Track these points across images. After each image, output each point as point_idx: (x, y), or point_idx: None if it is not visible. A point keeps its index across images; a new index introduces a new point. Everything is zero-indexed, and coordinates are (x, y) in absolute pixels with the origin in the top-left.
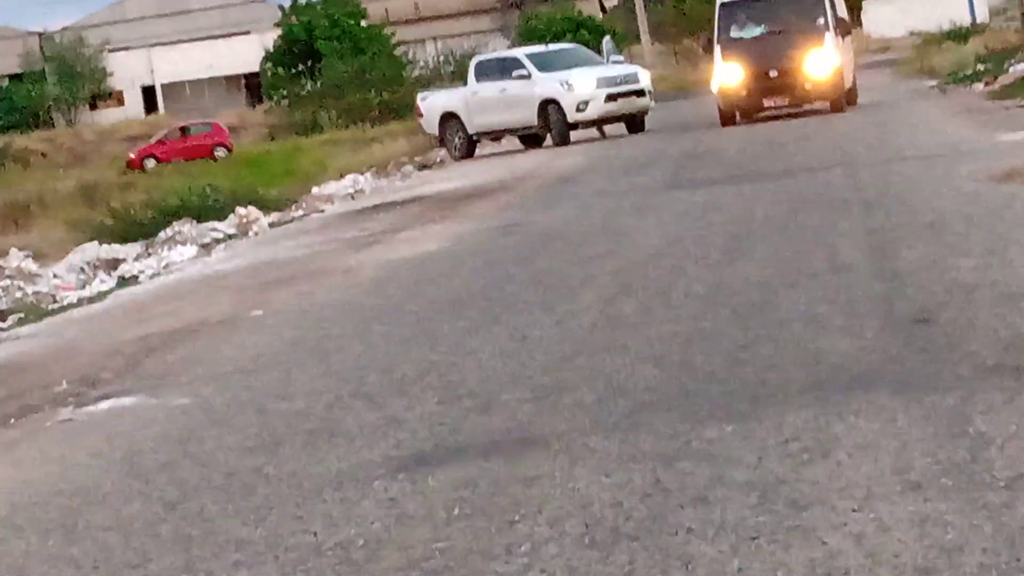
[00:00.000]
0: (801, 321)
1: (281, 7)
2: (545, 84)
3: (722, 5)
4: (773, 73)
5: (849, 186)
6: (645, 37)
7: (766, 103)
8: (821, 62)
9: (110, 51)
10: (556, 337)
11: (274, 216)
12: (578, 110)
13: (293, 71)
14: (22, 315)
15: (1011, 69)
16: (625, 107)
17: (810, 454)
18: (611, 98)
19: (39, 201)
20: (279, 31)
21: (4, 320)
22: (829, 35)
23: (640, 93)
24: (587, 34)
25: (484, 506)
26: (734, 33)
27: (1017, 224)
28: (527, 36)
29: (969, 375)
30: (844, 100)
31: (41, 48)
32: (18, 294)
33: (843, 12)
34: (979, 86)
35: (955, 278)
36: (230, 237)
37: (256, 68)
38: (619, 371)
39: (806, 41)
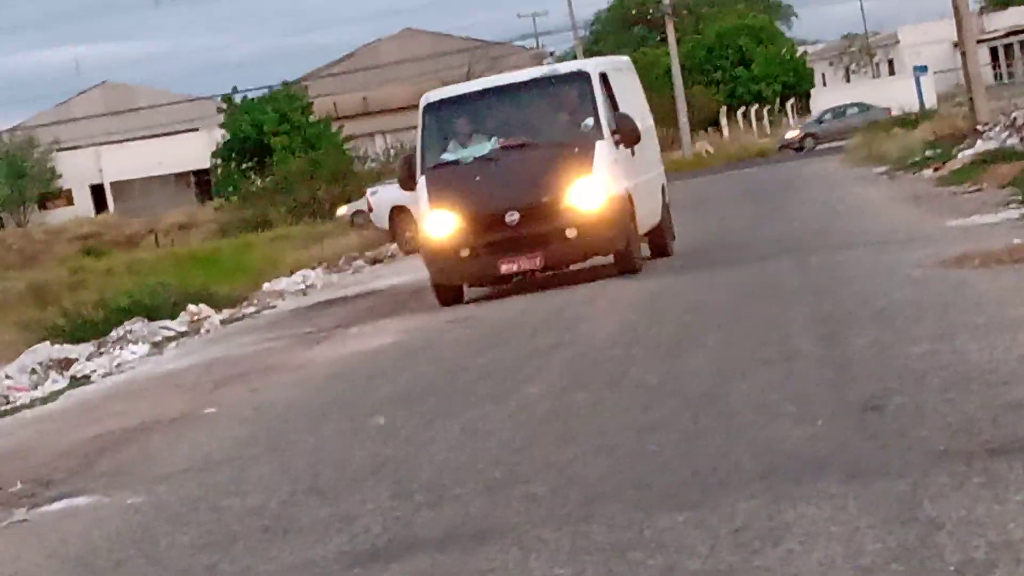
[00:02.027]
0: (752, 409)
1: (219, 107)
2: None
3: (428, 107)
4: (511, 217)
5: (799, 274)
6: None
7: (504, 268)
8: (589, 193)
9: (58, 150)
10: (508, 429)
11: (225, 313)
12: None
13: (243, 167)
14: None
15: (959, 155)
16: None
17: (762, 542)
18: None
19: None
20: (227, 126)
21: None
22: (604, 146)
23: None
24: None
25: None
26: (448, 153)
27: (967, 309)
28: None
29: (919, 461)
30: (636, 253)
31: None
32: None
33: (637, 105)
34: (928, 172)
35: (905, 364)
36: (182, 335)
37: (205, 164)
38: (571, 462)
39: (565, 159)
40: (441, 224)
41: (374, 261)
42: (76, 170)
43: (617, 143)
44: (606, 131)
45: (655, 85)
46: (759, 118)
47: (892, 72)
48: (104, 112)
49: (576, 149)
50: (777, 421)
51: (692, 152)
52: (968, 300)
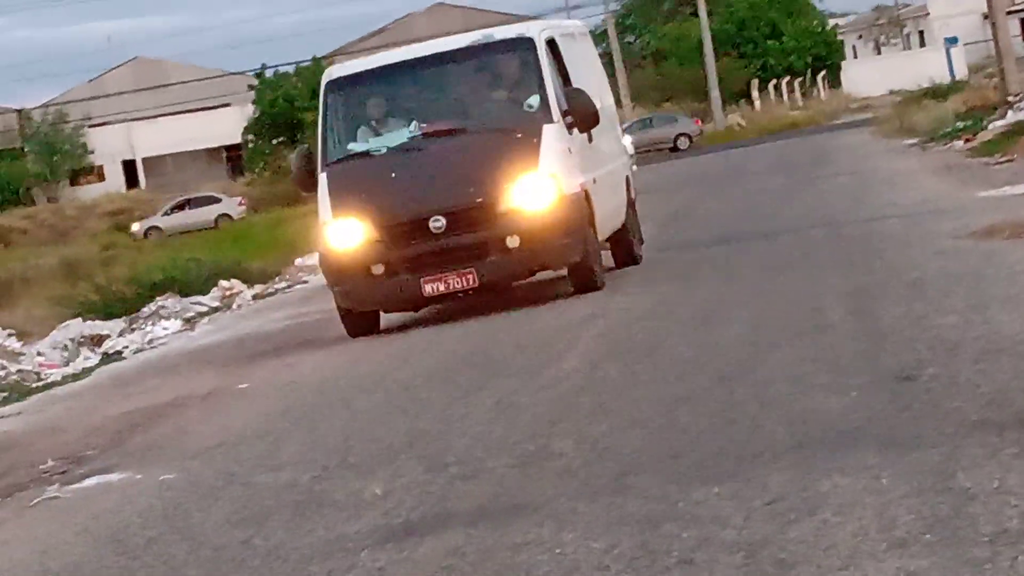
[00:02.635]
0: (785, 381)
1: (250, 85)
2: None
3: (332, 85)
4: (437, 224)
5: (831, 245)
6: (626, 101)
7: (429, 289)
8: (535, 191)
9: (90, 127)
10: (541, 403)
11: (258, 288)
12: None
13: (274, 142)
14: (6, 394)
15: (990, 126)
16: None
17: (796, 513)
18: None
19: (21, 279)
20: (258, 102)
21: None
22: (553, 131)
23: None
24: None
25: (472, 573)
26: (357, 143)
27: (998, 280)
28: None
29: (952, 431)
30: (596, 265)
31: (20, 125)
32: (1, 373)
33: (594, 79)
34: (959, 143)
35: (938, 335)
36: (214, 310)
37: (236, 140)
38: (605, 435)
39: (503, 149)
40: (347, 234)
41: None
42: (107, 146)
43: (570, 127)
44: (555, 112)
45: (686, 58)
46: (790, 90)
47: (922, 44)
48: (135, 88)
49: (518, 136)
50: (810, 392)
51: (724, 125)
52: (1000, 271)
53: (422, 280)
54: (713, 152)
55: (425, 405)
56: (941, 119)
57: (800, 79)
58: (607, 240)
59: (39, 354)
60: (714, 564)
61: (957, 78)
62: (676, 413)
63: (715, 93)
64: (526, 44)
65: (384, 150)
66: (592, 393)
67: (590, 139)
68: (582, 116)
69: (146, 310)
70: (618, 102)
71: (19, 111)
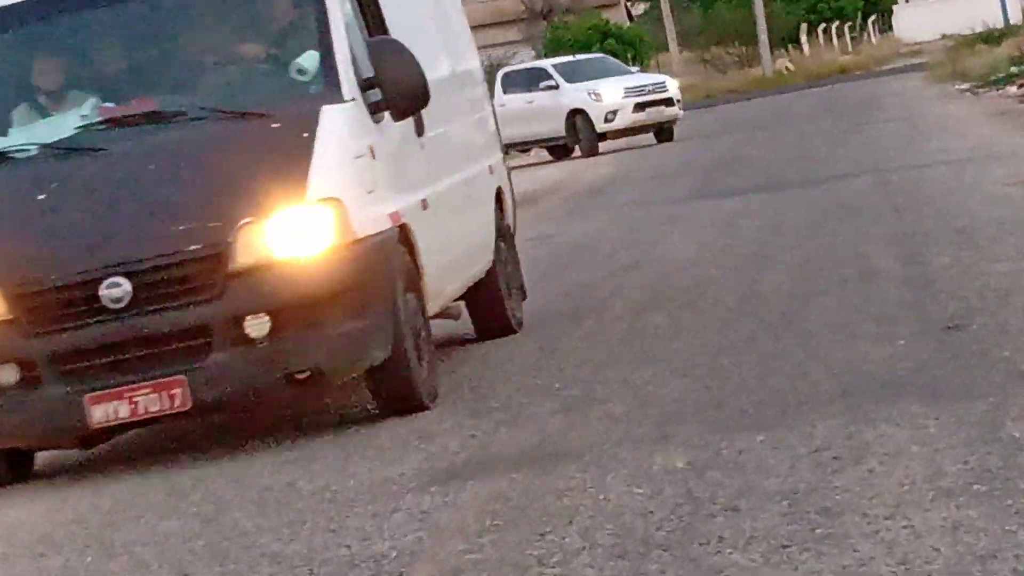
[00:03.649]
0: (831, 329)
1: None
2: (573, 95)
3: None
4: (116, 289)
5: (879, 192)
6: (673, 45)
7: (98, 414)
8: (299, 228)
9: None
10: (585, 349)
11: None
12: (606, 120)
13: None
14: None
15: None
16: (654, 116)
17: (841, 462)
18: (639, 107)
19: None
20: None
21: None
22: (339, 118)
23: (668, 102)
24: (615, 43)
25: (515, 518)
26: None
27: None
28: (554, 47)
29: (1001, 381)
30: (412, 365)
31: None
32: None
33: (438, 26)
34: (1012, 89)
35: (987, 283)
36: None
37: None
38: (648, 382)
39: (247, 151)
40: None
41: None
42: None
43: (376, 110)
44: (347, 83)
45: (734, 1)
46: (840, 35)
47: None
48: None
49: (275, 125)
50: (857, 341)
51: (772, 70)
52: None
53: (86, 398)
54: (760, 97)
55: (468, 351)
56: (994, 64)
57: (850, 23)
58: (460, 299)
59: None
60: (758, 512)
61: (1011, 22)
62: (720, 361)
63: (763, 37)
64: None
65: (34, 150)
66: (635, 341)
67: (419, 131)
68: (398, 90)
69: None
70: (665, 47)
71: None
